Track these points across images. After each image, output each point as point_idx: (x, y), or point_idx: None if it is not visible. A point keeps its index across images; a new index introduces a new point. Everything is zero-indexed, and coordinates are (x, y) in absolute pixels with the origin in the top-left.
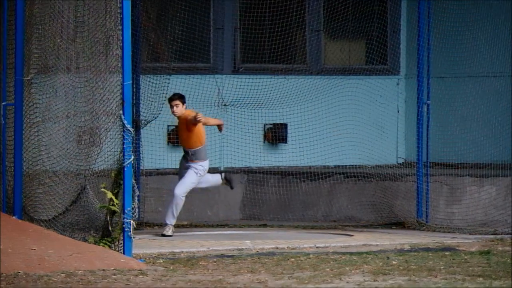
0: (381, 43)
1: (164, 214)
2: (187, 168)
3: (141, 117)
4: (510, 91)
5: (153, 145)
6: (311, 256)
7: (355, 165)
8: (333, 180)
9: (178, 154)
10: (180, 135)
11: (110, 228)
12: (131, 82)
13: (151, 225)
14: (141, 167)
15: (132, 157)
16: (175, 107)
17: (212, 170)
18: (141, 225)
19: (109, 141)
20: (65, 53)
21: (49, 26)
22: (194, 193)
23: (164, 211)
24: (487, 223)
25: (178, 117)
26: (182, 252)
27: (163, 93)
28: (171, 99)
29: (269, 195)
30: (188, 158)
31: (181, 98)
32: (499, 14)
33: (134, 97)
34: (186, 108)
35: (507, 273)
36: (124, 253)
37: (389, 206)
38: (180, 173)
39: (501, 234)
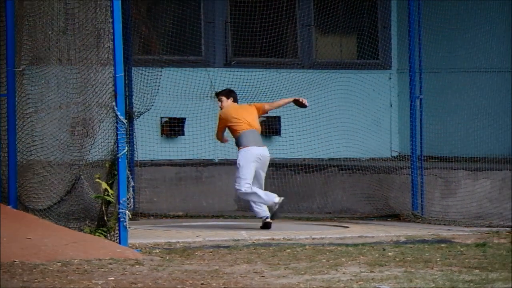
0: (372, 38)
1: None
2: None
3: (134, 109)
4: (504, 85)
5: (147, 137)
6: (307, 247)
7: (349, 158)
8: (327, 173)
9: (172, 145)
10: None
11: (105, 218)
12: (123, 74)
13: (146, 215)
14: (135, 158)
15: (126, 148)
16: (219, 102)
17: (206, 162)
18: (137, 216)
19: (103, 132)
20: (56, 45)
21: (39, 18)
22: (189, 184)
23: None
24: (482, 216)
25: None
26: (178, 242)
27: (155, 85)
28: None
29: (264, 187)
30: None
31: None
32: (493, 7)
33: (127, 89)
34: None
35: (503, 265)
36: (120, 243)
37: (384, 199)
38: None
39: (497, 226)
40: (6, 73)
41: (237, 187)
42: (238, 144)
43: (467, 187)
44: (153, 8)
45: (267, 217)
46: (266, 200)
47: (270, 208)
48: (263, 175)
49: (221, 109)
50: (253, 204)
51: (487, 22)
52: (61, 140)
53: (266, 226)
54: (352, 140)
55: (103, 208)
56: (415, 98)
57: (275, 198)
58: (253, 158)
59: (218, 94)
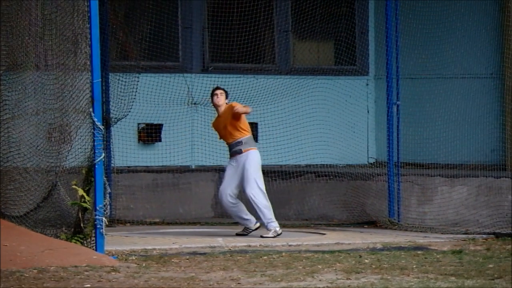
0: (350, 44)
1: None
2: (239, 165)
3: (111, 115)
4: (481, 92)
5: (124, 143)
6: (283, 254)
7: (326, 165)
8: (304, 179)
9: (149, 151)
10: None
11: (82, 225)
12: (100, 80)
13: (123, 222)
14: (112, 165)
15: (103, 154)
16: (219, 95)
17: (183, 169)
18: (113, 222)
19: (80, 138)
20: (34, 51)
21: (16, 23)
22: (166, 191)
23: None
24: (458, 222)
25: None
26: (155, 249)
27: (132, 91)
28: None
29: (241, 194)
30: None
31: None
32: (468, 14)
33: (104, 95)
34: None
35: (479, 272)
36: (96, 250)
37: (360, 205)
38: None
39: (473, 233)
40: None
41: (260, 186)
42: (249, 145)
43: (444, 194)
44: (131, 14)
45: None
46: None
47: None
48: None
49: (220, 103)
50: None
51: (464, 28)
52: (38, 146)
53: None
54: (329, 146)
55: (80, 214)
56: (392, 104)
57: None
58: None
59: (219, 88)
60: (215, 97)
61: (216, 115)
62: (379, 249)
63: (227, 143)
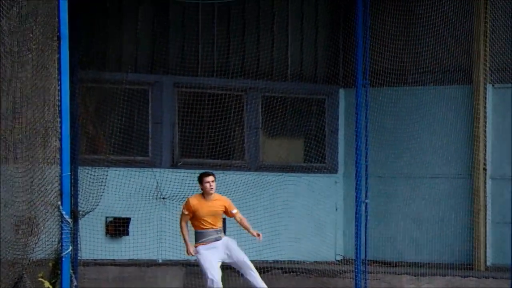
0: (320, 142)
1: None
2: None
3: (79, 208)
4: (449, 192)
5: (92, 236)
6: None
7: (293, 261)
8: (271, 275)
9: (116, 245)
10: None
11: None
12: (69, 173)
13: None
14: (79, 258)
15: (70, 247)
16: (211, 183)
17: (150, 263)
18: None
19: (47, 231)
20: (3, 144)
21: None
22: (132, 284)
23: None
24: None
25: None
26: None
27: (101, 185)
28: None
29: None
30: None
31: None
32: (438, 114)
33: (73, 188)
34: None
35: None
36: None
37: None
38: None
39: None
40: None
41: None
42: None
43: None
44: (102, 108)
45: None
46: None
47: None
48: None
49: (213, 191)
50: None
51: (433, 129)
52: (4, 238)
53: None
54: (296, 242)
55: None
56: (361, 203)
57: None
58: None
59: (210, 174)
60: (207, 185)
61: (200, 195)
62: None
63: (203, 228)
